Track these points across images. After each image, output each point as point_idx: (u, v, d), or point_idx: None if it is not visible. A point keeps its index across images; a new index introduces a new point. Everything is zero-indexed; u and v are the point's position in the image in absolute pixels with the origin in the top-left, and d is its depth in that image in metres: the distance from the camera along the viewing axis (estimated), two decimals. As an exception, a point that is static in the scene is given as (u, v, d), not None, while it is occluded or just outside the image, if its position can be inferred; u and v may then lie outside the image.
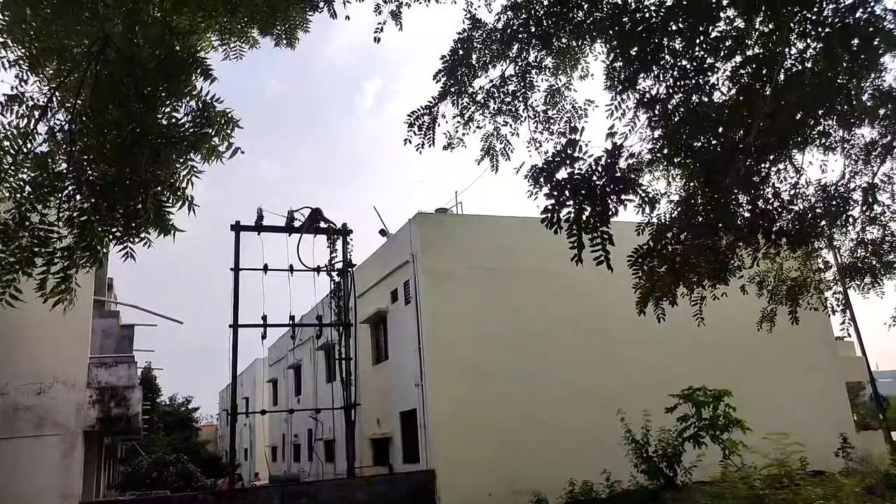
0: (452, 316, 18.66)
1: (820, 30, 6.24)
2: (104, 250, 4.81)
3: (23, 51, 4.68)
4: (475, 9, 7.21)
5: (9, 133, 4.57)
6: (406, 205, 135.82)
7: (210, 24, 5.64)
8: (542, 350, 18.88)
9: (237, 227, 18.48)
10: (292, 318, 20.00)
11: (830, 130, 7.84)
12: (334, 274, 19.59)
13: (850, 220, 8.46)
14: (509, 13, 6.89)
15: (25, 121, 4.67)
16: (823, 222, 8.12)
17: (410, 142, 7.50)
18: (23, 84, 4.70)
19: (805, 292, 10.72)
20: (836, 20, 6.10)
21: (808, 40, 6.48)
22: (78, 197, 4.72)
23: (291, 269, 18.92)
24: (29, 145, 4.68)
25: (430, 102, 7.40)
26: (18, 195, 4.57)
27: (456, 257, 19.33)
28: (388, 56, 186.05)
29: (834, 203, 8.08)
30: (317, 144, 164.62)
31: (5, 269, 4.43)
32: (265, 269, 18.73)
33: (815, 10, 6.19)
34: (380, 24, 6.83)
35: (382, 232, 22.90)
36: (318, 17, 6.49)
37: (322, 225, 19.15)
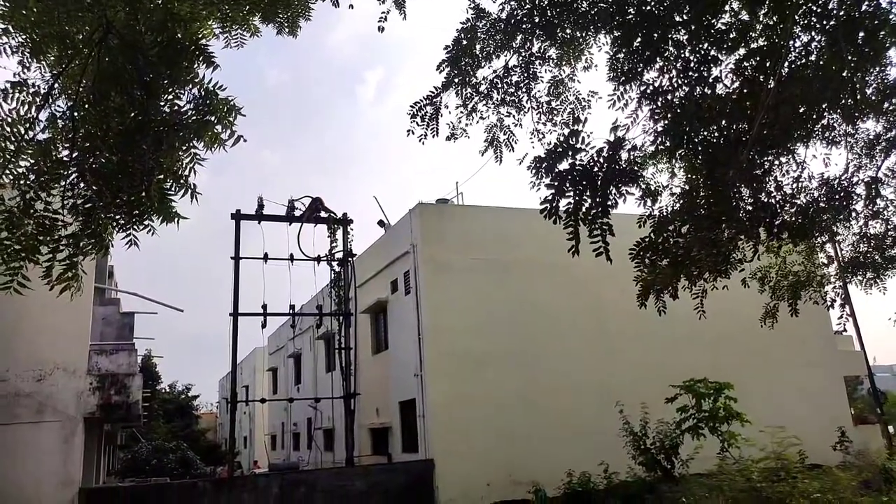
0: (452, 306, 18.68)
1: (825, 22, 6.22)
2: (109, 238, 4.81)
3: (25, 37, 4.66)
4: (479, -2, 7.17)
5: (10, 119, 4.56)
6: (407, 195, 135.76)
7: (211, 12, 5.59)
8: (541, 341, 18.91)
9: (238, 216, 18.46)
10: (292, 307, 20.02)
11: (834, 124, 7.81)
12: (334, 263, 19.60)
13: (853, 214, 8.43)
14: (513, 3, 6.85)
15: (27, 107, 4.65)
16: (826, 216, 8.10)
17: (413, 132, 7.48)
18: (25, 71, 4.68)
19: (807, 287, 10.71)
20: (842, 13, 6.08)
21: (813, 33, 6.46)
22: (82, 184, 4.71)
23: (292, 259, 18.93)
24: (31, 132, 4.67)
25: (433, 93, 7.37)
26: (21, 182, 4.56)
27: (456, 248, 19.32)
28: (391, 46, 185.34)
29: (837, 197, 8.06)
30: (318, 134, 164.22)
31: (11, 257, 4.43)
32: (265, 258, 18.73)
33: (820, 2, 6.16)
34: (384, 12, 6.79)
35: (382, 223, 22.88)
36: (320, 6, 6.42)
37: (322, 214, 19.13)
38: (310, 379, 29.11)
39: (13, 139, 4.55)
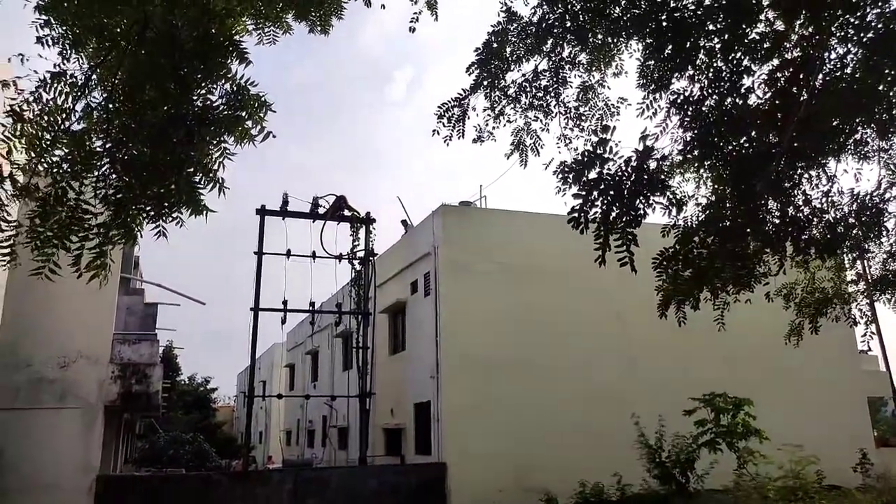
0: (471, 310, 18.66)
1: (862, 35, 6.11)
2: (138, 228, 4.89)
3: (65, 29, 4.76)
4: (511, 1, 7.17)
5: (48, 108, 4.66)
6: (430, 196, 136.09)
7: (246, 8, 5.67)
8: (558, 349, 18.81)
9: (262, 212, 18.64)
10: (312, 304, 20.17)
11: (868, 139, 7.67)
12: (356, 262, 19.70)
13: (884, 231, 8.28)
14: (545, 7, 6.83)
15: (64, 97, 4.75)
16: (855, 232, 7.96)
17: (439, 133, 7.49)
18: (65, 62, 4.78)
19: (833, 305, 10.54)
20: (880, 26, 5.97)
21: (849, 45, 6.35)
22: (113, 175, 4.80)
23: (314, 256, 19.07)
24: (67, 122, 4.77)
25: (461, 94, 7.38)
26: (55, 171, 4.66)
27: (477, 251, 19.30)
28: (421, 46, 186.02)
29: (867, 213, 7.92)
30: (345, 132, 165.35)
31: (44, 243, 4.53)
32: (288, 254, 18.89)
33: (858, 14, 6.06)
34: (415, 13, 6.82)
35: (404, 223, 22.95)
36: (352, 4, 6.47)
37: (346, 213, 19.26)
38: (326, 376, 29.24)
39: (50, 129, 4.65)
